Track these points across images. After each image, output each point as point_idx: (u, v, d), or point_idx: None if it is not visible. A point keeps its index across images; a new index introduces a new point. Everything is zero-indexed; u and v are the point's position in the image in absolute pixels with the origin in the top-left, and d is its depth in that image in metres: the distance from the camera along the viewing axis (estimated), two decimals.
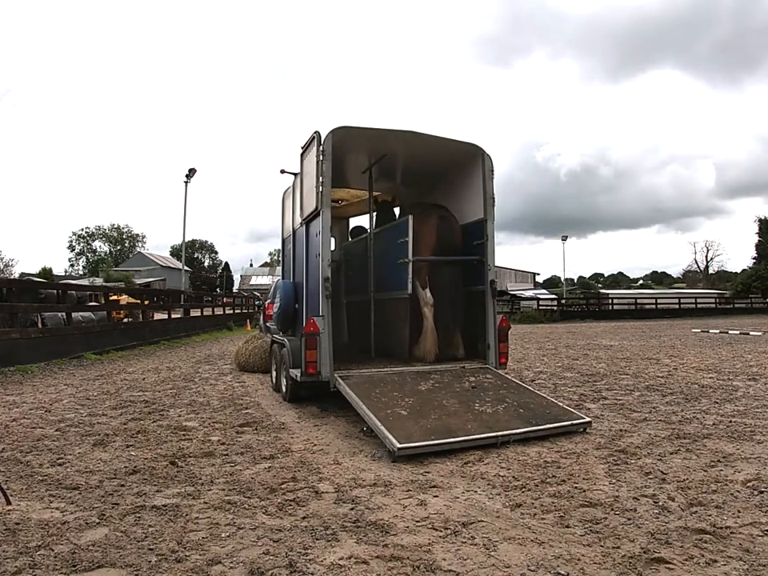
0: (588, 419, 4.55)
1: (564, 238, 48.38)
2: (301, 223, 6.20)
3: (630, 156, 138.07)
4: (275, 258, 78.85)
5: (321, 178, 5.23)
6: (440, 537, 2.55)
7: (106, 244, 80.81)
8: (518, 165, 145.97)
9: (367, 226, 7.33)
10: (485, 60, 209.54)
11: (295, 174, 6.56)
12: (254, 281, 67.12)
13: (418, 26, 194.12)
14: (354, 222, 8.77)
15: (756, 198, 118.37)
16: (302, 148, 5.82)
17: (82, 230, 79.08)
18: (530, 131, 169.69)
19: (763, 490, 3.04)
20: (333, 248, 5.96)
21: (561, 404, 4.89)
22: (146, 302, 17.94)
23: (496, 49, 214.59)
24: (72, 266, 76.20)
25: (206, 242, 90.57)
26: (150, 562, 2.31)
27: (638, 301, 38.40)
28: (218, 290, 66.87)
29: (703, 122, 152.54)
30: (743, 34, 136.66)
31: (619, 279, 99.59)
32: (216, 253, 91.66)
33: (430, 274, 5.94)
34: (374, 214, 7.18)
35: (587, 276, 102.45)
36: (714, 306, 38.37)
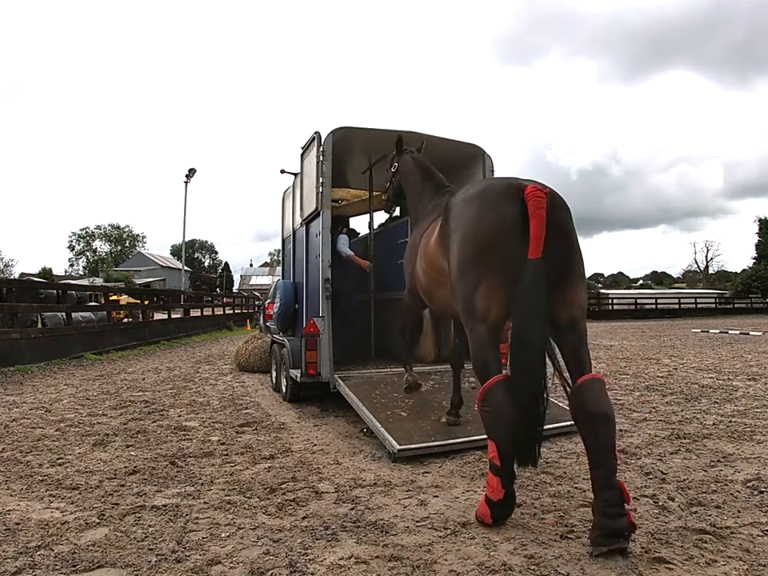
0: None
1: None
2: (301, 223, 6.20)
3: (640, 156, 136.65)
4: (275, 257, 78.83)
5: (321, 178, 5.23)
6: (440, 537, 2.55)
7: (106, 244, 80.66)
8: (527, 164, 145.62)
9: (366, 226, 7.35)
10: (503, 59, 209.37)
11: (295, 175, 6.55)
12: (254, 281, 67.05)
13: (430, 25, 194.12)
14: (353, 222, 8.78)
15: (762, 198, 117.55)
16: (302, 148, 5.81)
17: (82, 230, 79.00)
18: (541, 131, 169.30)
19: (763, 489, 3.04)
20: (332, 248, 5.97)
21: (561, 404, 4.89)
22: (146, 302, 17.94)
23: (516, 48, 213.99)
24: (72, 266, 75.95)
25: (206, 242, 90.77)
26: (149, 561, 2.31)
27: (638, 301, 38.09)
28: (217, 290, 66.85)
29: (713, 122, 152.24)
30: (755, 35, 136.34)
31: (619, 279, 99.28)
32: (216, 253, 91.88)
33: None
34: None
35: (587, 276, 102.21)
36: (713, 306, 38.32)
